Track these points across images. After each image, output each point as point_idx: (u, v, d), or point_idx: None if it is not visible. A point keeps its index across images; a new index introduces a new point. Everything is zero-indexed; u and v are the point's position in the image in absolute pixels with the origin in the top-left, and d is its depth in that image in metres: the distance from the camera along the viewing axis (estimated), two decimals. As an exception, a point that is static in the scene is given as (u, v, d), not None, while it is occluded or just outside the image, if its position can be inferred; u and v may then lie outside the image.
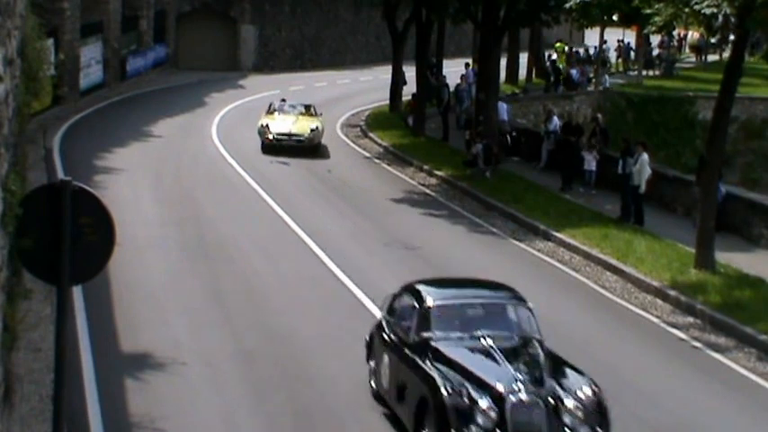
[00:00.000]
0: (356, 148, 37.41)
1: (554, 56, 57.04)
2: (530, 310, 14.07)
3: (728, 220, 25.18)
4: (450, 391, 12.12)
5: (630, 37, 63.96)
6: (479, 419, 11.93)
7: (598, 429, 12.23)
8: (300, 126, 34.36)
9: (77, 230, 9.36)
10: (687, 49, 74.97)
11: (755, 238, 25.30)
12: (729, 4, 19.39)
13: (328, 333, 17.27)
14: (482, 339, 13.24)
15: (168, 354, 15.76)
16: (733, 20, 20.22)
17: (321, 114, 36.02)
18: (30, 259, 9.57)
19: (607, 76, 54.19)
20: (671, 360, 17.28)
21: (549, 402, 12.16)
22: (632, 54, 63.57)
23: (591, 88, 52.55)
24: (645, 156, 25.81)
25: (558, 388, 12.46)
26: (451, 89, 42.44)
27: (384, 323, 14.56)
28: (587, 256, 23.14)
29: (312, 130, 34.26)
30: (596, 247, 23.36)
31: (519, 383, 12.23)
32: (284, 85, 53.37)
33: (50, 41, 31.92)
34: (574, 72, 53.26)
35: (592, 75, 54.07)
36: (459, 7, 37.44)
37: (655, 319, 19.37)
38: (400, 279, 20.68)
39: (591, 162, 29.91)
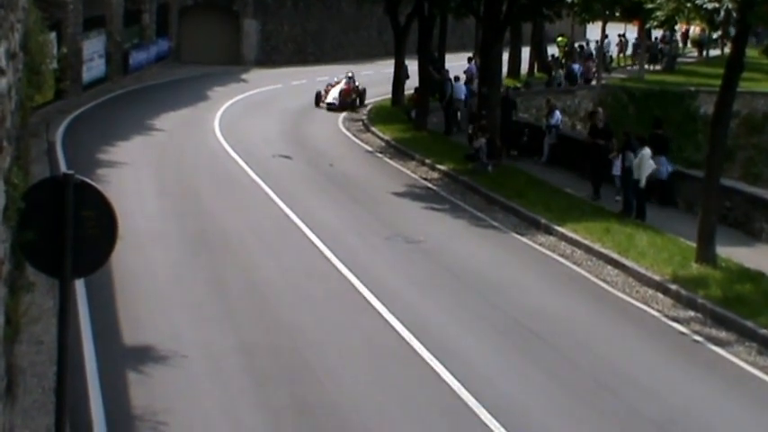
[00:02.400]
0: (358, 142, 37.44)
1: (556, 51, 57.14)
2: None
3: (675, 196, 28.22)
4: None
5: (633, 32, 63.95)
6: None
7: None
8: None
9: (80, 224, 9.40)
10: (689, 44, 74.95)
11: (756, 232, 25.34)
12: (731, -2, 19.41)
13: (329, 326, 17.31)
14: None
15: (170, 346, 15.80)
16: (734, 15, 20.19)
17: None
18: (32, 252, 9.61)
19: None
20: (672, 354, 17.31)
21: None
22: (631, 47, 63.56)
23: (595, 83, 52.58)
24: (647, 150, 25.83)
25: None
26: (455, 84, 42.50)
27: None
28: (589, 250, 23.17)
29: None
30: (598, 241, 23.39)
31: None
32: (287, 79, 53.45)
33: (53, 35, 31.95)
34: (576, 67, 53.25)
35: (594, 69, 54.07)
36: (462, 2, 37.42)
37: (656, 313, 19.40)
38: (401, 273, 20.83)
39: (619, 167, 27.53)
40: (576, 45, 61.15)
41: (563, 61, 55.18)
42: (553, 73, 52.35)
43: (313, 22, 63.69)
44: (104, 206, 9.53)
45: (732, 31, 22.87)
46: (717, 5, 19.64)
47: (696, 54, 71.35)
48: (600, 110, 35.13)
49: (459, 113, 40.42)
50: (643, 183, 25.77)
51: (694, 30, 71.87)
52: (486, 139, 31.30)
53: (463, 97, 40.43)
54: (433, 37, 43.29)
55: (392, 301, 18.63)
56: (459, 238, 24.16)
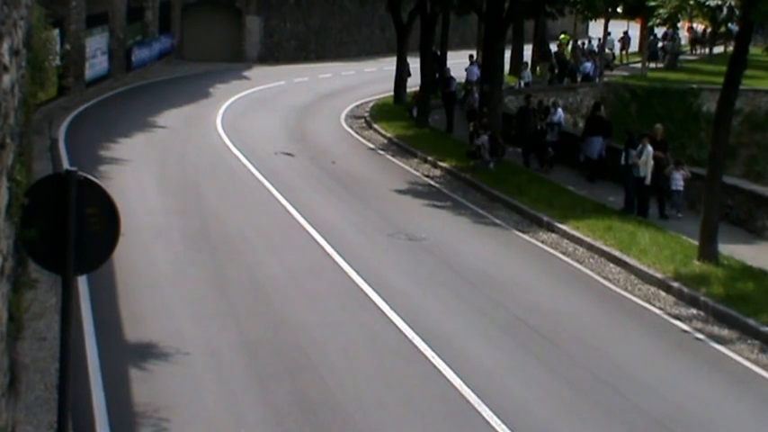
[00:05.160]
0: (360, 139, 37.45)
1: (558, 48, 57.04)
2: None
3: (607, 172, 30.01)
4: None
5: (635, 29, 63.89)
6: None
7: None
8: None
9: (82, 221, 9.41)
10: (688, 42, 74.58)
11: (759, 230, 25.33)
12: (734, -4, 19.40)
13: (332, 323, 17.31)
14: None
15: (172, 344, 15.81)
16: (737, 12, 20.18)
17: None
18: (35, 249, 9.62)
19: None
20: (673, 351, 17.32)
21: None
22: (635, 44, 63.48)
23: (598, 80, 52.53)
24: (650, 148, 25.84)
25: None
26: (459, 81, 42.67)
27: None
28: (591, 247, 23.17)
29: None
30: (600, 238, 23.40)
31: None
32: (289, 76, 53.45)
33: (56, 32, 31.96)
34: (588, 65, 53.07)
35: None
36: (464, -1, 37.43)
37: (658, 311, 19.40)
38: (403, 269, 20.83)
39: (678, 181, 26.46)
40: (580, 42, 61.06)
41: (568, 58, 55.06)
42: (521, 73, 51.90)
43: (315, 19, 63.67)
44: (107, 203, 9.54)
45: (734, 28, 22.81)
46: (719, 3, 19.63)
47: (698, 51, 71.11)
48: (602, 107, 35.12)
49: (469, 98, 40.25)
50: (649, 180, 25.78)
51: (696, 27, 71.72)
52: (489, 135, 31.28)
53: (475, 78, 41.02)
54: (435, 34, 43.28)
55: (394, 298, 18.64)
56: (461, 235, 24.16)
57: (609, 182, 29.72)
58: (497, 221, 25.71)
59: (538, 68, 53.79)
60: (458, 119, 39.80)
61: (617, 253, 22.40)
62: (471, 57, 47.88)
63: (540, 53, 55.17)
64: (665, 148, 27.47)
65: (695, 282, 20.30)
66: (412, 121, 39.73)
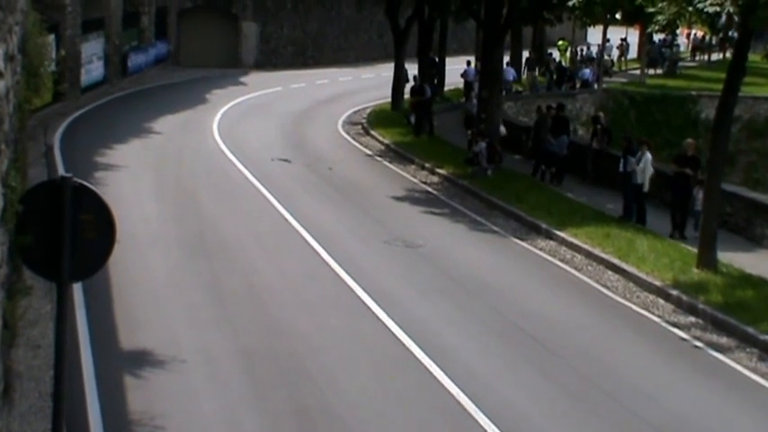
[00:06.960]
0: (357, 145, 37.40)
1: (556, 54, 57.10)
2: None
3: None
4: None
5: (634, 35, 63.94)
6: None
7: None
8: None
9: (77, 227, 9.34)
10: (689, 48, 74.75)
11: (758, 238, 25.29)
12: (732, 2, 19.33)
13: (328, 330, 17.24)
14: None
15: (168, 351, 15.73)
16: (736, 18, 20.13)
17: None
18: (30, 256, 9.56)
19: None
20: (672, 360, 17.25)
21: None
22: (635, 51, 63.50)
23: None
24: (648, 155, 25.80)
25: None
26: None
27: None
28: (589, 255, 23.11)
29: None
30: (598, 246, 23.33)
31: None
32: (286, 82, 53.44)
33: (51, 37, 31.87)
34: (587, 71, 53.13)
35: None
36: (462, 5, 37.41)
37: (656, 319, 19.34)
38: (400, 277, 20.75)
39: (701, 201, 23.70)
40: (579, 49, 61.15)
41: (565, 64, 55.11)
42: (554, 75, 52.04)
43: (312, 25, 63.69)
44: (102, 209, 9.47)
45: (734, 34, 22.79)
46: (718, 9, 19.58)
47: (697, 57, 71.23)
48: (601, 114, 35.14)
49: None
50: (647, 187, 25.74)
51: (695, 34, 71.84)
52: (486, 142, 31.27)
53: (511, 78, 41.18)
54: (433, 40, 43.25)
55: (391, 306, 18.57)
56: (459, 242, 24.09)
57: (571, 177, 31.05)
58: (495, 228, 25.64)
59: (539, 77, 53.77)
60: (457, 123, 39.79)
61: (615, 260, 22.34)
62: (469, 63, 47.92)
63: (527, 61, 55.06)
64: (697, 166, 25.42)
65: (694, 289, 20.24)
66: (409, 127, 39.69)
